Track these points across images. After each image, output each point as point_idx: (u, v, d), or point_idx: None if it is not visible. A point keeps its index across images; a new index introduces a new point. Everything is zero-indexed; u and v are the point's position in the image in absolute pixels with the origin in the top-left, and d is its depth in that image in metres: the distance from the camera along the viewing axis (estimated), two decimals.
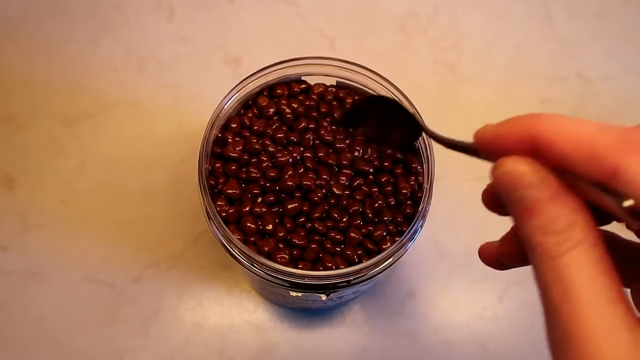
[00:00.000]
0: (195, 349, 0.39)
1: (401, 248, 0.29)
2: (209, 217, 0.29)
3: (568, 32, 0.50)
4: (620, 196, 0.15)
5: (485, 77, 0.48)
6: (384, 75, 0.32)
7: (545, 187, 0.16)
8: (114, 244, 0.41)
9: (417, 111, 0.30)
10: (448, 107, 0.47)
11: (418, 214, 0.29)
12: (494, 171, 0.18)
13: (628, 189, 0.15)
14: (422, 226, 0.29)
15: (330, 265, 0.29)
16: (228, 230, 0.28)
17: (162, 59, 0.47)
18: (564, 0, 0.51)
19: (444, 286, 0.42)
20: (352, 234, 0.30)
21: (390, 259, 0.29)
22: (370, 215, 0.30)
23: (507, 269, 0.21)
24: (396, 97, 0.32)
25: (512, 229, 0.20)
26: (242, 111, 0.33)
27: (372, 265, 0.28)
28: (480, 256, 0.22)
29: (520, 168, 0.17)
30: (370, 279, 0.30)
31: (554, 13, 0.51)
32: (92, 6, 0.48)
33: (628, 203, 0.15)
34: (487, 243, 0.22)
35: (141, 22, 0.48)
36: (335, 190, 0.30)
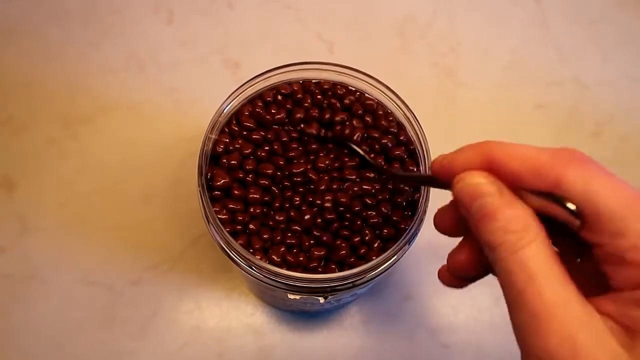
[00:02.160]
0: (193, 352, 0.39)
1: (399, 251, 0.29)
2: (208, 220, 0.29)
3: (565, 37, 0.50)
4: (562, 201, 0.18)
5: (483, 81, 0.49)
6: (382, 80, 0.33)
7: (501, 195, 0.19)
8: (112, 246, 0.41)
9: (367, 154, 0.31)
10: (446, 111, 0.47)
11: (416, 218, 0.29)
12: (454, 185, 0.20)
13: (570, 192, 0.18)
14: (419, 229, 0.30)
15: (333, 267, 0.29)
16: (226, 233, 0.28)
17: (161, 62, 0.47)
18: (561, 5, 0.52)
19: (441, 289, 0.42)
20: (351, 238, 0.30)
21: (388, 262, 0.29)
22: (368, 219, 0.30)
23: (463, 285, 0.23)
24: (393, 101, 0.33)
25: (459, 245, 0.23)
26: (239, 115, 0.33)
27: (370, 269, 0.28)
28: (440, 277, 0.24)
29: (478, 179, 0.20)
30: (368, 282, 0.30)
31: (551, 18, 0.51)
32: (92, 9, 0.49)
33: (571, 205, 0.18)
34: (444, 266, 0.23)
35: (141, 25, 0.48)
36: (341, 200, 0.30)
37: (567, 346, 0.16)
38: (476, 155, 0.20)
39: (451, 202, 0.23)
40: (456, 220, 0.22)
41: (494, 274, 0.23)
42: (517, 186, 0.19)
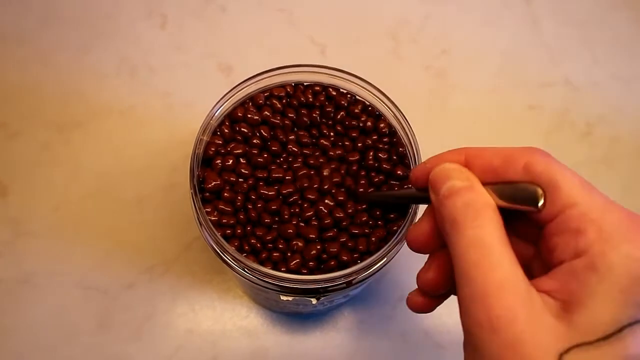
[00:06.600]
0: (188, 355, 0.39)
1: (391, 252, 0.29)
2: (201, 223, 0.29)
3: (556, 39, 0.51)
4: (528, 186, 0.20)
5: (475, 83, 0.49)
6: (374, 83, 0.33)
7: (469, 179, 0.21)
8: (107, 250, 0.41)
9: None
10: (438, 113, 0.48)
11: (407, 216, 0.30)
12: (432, 173, 0.23)
13: (535, 174, 0.20)
14: None
15: (328, 267, 0.30)
16: (219, 236, 0.28)
17: (154, 66, 0.47)
18: (552, 8, 0.52)
19: None
20: (343, 238, 0.30)
21: (380, 263, 0.29)
22: (361, 219, 0.30)
23: (433, 305, 0.25)
24: (385, 104, 0.33)
25: (430, 260, 0.24)
26: (231, 117, 0.33)
27: (362, 269, 0.28)
28: (410, 303, 0.25)
29: (451, 165, 0.22)
30: (361, 283, 0.30)
31: (541, 20, 0.52)
32: (84, 14, 0.49)
33: (540, 202, 0.20)
34: (412, 293, 0.25)
35: (134, 29, 0.48)
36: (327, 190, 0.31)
37: (509, 316, 0.18)
38: (454, 155, 0.23)
39: (425, 213, 0.24)
40: (430, 232, 0.23)
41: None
42: (485, 182, 0.21)
